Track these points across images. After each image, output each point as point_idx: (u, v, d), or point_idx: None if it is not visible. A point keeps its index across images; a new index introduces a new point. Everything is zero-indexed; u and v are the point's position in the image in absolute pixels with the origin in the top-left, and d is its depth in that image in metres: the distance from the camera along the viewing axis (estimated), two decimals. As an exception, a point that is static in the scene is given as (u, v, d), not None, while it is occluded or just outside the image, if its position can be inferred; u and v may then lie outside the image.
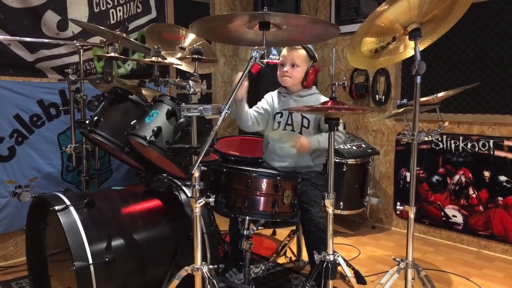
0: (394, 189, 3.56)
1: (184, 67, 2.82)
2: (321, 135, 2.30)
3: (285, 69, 2.41)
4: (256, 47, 1.57)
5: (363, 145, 3.43)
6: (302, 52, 2.40)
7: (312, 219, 2.15)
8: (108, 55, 1.94)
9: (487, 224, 3.03)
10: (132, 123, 1.83)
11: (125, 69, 3.32)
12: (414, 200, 1.84)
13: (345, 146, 3.33)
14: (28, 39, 2.69)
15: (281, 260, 2.78)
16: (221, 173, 2.00)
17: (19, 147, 2.85)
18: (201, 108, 1.54)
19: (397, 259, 1.92)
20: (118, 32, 2.35)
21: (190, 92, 1.55)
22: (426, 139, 1.78)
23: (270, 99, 2.54)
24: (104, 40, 2.45)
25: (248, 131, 2.49)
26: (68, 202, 1.71)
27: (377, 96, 3.56)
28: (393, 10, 1.59)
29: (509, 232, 2.93)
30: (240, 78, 1.61)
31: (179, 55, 2.89)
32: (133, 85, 2.68)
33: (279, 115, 2.44)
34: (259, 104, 2.54)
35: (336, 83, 1.81)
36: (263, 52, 1.58)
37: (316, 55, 2.44)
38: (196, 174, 1.56)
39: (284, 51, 2.46)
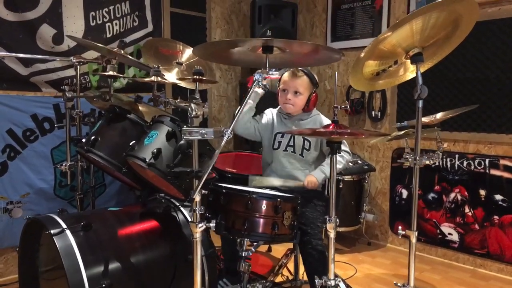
0: (389, 205, 3.55)
1: (182, 84, 2.79)
2: (324, 166, 2.33)
3: (288, 97, 2.39)
4: (259, 71, 1.55)
5: (359, 161, 3.43)
6: (305, 79, 2.39)
7: (310, 241, 2.14)
8: (106, 73, 1.91)
9: (483, 243, 3.03)
10: (131, 144, 1.80)
11: (120, 83, 3.28)
12: (416, 224, 1.81)
13: (342, 163, 3.32)
14: (23, 55, 2.65)
15: (278, 278, 2.74)
16: (220, 194, 1.97)
17: (11, 162, 2.79)
18: (203, 131, 1.52)
19: (399, 284, 1.90)
20: (115, 49, 2.33)
21: (192, 116, 1.53)
22: (428, 162, 1.78)
23: (271, 117, 2.54)
24: (101, 56, 2.41)
25: (240, 134, 2.51)
26: (64, 225, 1.67)
27: (373, 112, 3.57)
28: (396, 35, 1.59)
29: (505, 251, 2.93)
30: (245, 101, 1.58)
31: (175, 70, 2.88)
32: (130, 101, 2.66)
33: (280, 135, 2.42)
34: (261, 117, 2.55)
35: (338, 107, 1.79)
36: (265, 75, 1.56)
37: (317, 80, 2.44)
38: (197, 198, 1.53)
39: (286, 76, 2.43)
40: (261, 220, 1.94)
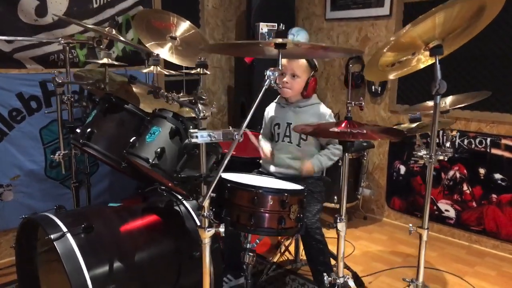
0: (387, 180, 3.54)
1: (175, 60, 2.64)
2: (321, 155, 2.30)
3: (284, 79, 2.27)
4: (272, 68, 1.44)
5: (358, 137, 3.36)
6: (303, 61, 2.27)
7: (308, 232, 2.12)
8: (99, 61, 1.76)
9: (480, 220, 3.06)
10: (131, 140, 1.69)
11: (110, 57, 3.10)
12: (427, 221, 1.78)
13: (341, 140, 3.26)
14: (6, 38, 2.44)
15: (276, 258, 2.74)
16: (224, 188, 1.89)
17: (-1, 145, 2.67)
18: (212, 134, 1.42)
19: (407, 280, 1.89)
20: (107, 29, 2.16)
21: (200, 117, 1.42)
22: (442, 158, 1.72)
23: (267, 113, 2.48)
24: (92, 36, 2.22)
25: None
26: (64, 229, 1.58)
27: (373, 87, 3.47)
28: (417, 29, 1.47)
29: (501, 229, 2.97)
30: (256, 101, 1.47)
31: (169, 45, 2.71)
32: (123, 81, 2.51)
33: (277, 126, 2.35)
34: (264, 127, 2.52)
35: (352, 103, 1.69)
36: (278, 73, 1.45)
37: (317, 63, 2.32)
38: (206, 204, 1.45)
39: (284, 60, 2.29)
40: (268, 215, 1.88)
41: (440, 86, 1.58)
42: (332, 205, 3.31)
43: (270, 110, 2.48)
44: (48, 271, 1.91)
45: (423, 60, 1.77)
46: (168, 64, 2.64)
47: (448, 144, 1.89)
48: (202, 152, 1.46)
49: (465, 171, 3.07)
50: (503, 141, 2.88)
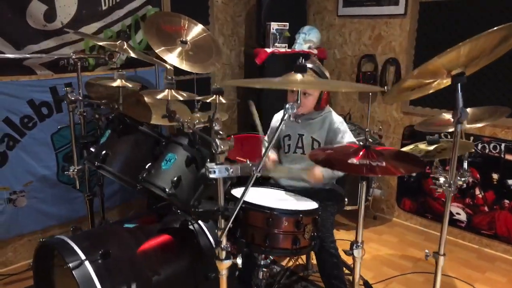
0: (397, 181, 3.53)
1: (185, 66, 2.59)
2: None
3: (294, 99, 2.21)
4: (291, 103, 1.41)
5: (369, 138, 3.33)
6: (314, 77, 2.17)
7: (323, 246, 2.12)
8: (114, 85, 1.74)
9: (491, 224, 3.05)
10: (146, 166, 1.68)
11: (120, 60, 3.06)
12: (444, 246, 1.77)
13: (352, 142, 3.23)
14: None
15: (289, 262, 2.76)
16: (239, 208, 1.89)
17: (11, 152, 2.66)
18: (230, 169, 1.41)
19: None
20: (119, 43, 2.12)
21: (218, 152, 1.41)
22: (461, 183, 1.69)
23: (276, 121, 2.43)
24: (105, 50, 2.17)
25: None
26: (82, 256, 1.60)
27: (386, 87, 3.41)
28: (441, 59, 1.43)
29: (513, 234, 2.97)
30: (274, 137, 1.45)
31: (179, 49, 2.67)
32: (134, 90, 2.48)
33: (287, 137, 2.32)
34: (270, 133, 2.46)
35: (371, 131, 1.66)
36: (297, 107, 1.42)
37: (327, 74, 2.26)
38: (224, 240, 1.45)
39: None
40: (282, 236, 1.88)
41: (462, 115, 1.55)
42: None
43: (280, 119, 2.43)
44: (63, 275, 1.91)
45: (445, 82, 1.72)
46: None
47: (465, 165, 1.86)
48: (220, 186, 1.45)
49: (478, 175, 3.05)
50: (518, 147, 2.85)
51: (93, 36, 2.33)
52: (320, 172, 2.20)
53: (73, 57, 2.17)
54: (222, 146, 1.40)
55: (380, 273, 2.82)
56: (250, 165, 1.43)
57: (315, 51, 3.47)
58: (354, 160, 1.52)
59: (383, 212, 3.67)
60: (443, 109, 3.13)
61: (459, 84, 1.55)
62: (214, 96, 1.62)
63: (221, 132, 1.41)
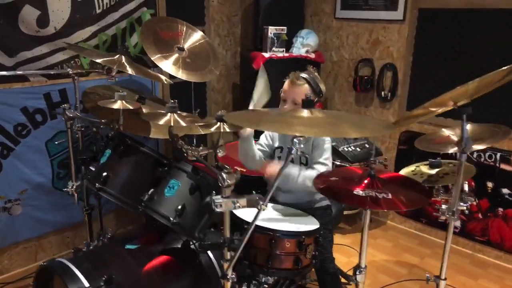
0: (392, 185, 3.55)
1: (181, 75, 2.54)
2: (304, 171, 2.12)
3: (286, 106, 2.16)
4: (300, 138, 1.38)
5: (366, 145, 3.34)
6: (305, 88, 2.14)
7: (323, 266, 2.13)
8: (114, 107, 1.70)
9: (484, 231, 3.10)
10: (149, 192, 1.66)
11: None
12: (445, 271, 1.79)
13: (349, 148, 3.23)
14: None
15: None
16: (241, 229, 1.88)
17: (5, 161, 2.62)
18: (237, 203, 1.40)
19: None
20: (117, 57, 2.07)
21: (224, 186, 1.39)
22: (464, 208, 1.71)
23: (271, 132, 2.37)
24: (103, 65, 2.10)
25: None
26: (86, 283, 1.58)
27: (382, 92, 3.41)
28: (449, 94, 1.43)
29: (506, 241, 3.02)
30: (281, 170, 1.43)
31: (176, 57, 2.62)
32: (133, 101, 2.44)
33: (279, 150, 2.27)
34: (261, 141, 2.35)
35: (377, 161, 1.65)
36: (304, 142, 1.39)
37: (322, 89, 2.18)
38: (230, 272, 1.45)
39: (286, 85, 2.18)
40: (284, 257, 1.89)
41: (467, 145, 1.55)
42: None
43: (273, 133, 2.37)
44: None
45: (449, 108, 1.72)
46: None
47: (466, 187, 1.87)
48: (226, 219, 1.44)
49: (473, 183, 3.08)
50: (513, 157, 2.88)
51: (90, 49, 2.27)
52: (275, 168, 2.10)
53: (70, 72, 2.11)
54: (228, 181, 1.39)
55: (376, 280, 2.86)
56: (257, 198, 1.41)
57: (312, 55, 3.44)
58: (359, 191, 1.51)
59: (378, 214, 3.71)
60: (440, 116, 3.14)
61: (464, 115, 1.54)
62: (218, 123, 1.59)
63: (227, 166, 1.39)
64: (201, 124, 1.78)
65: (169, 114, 1.66)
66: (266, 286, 2.05)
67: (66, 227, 3.00)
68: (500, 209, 2.99)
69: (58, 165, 2.86)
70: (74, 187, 2.15)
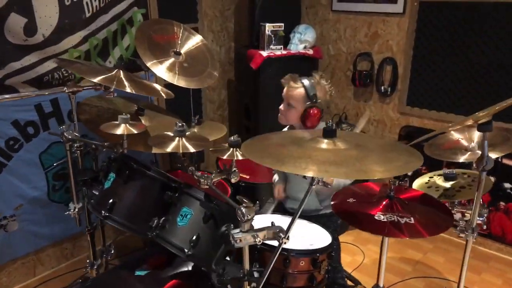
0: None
1: (177, 81, 2.43)
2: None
3: (281, 107, 2.22)
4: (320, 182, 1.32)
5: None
6: (300, 91, 2.13)
7: (332, 278, 2.12)
8: (116, 133, 1.61)
9: (486, 224, 3.11)
10: (160, 221, 1.59)
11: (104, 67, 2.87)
12: None
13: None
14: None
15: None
16: (254, 249, 1.84)
17: (-1, 177, 2.51)
18: (257, 237, 1.35)
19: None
20: (115, 72, 1.96)
21: (244, 221, 1.33)
22: (481, 223, 1.69)
23: None
24: (97, 83, 1.96)
25: None
26: (98, 320, 1.52)
27: (382, 87, 3.35)
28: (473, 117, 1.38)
29: (507, 234, 3.04)
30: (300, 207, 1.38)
31: (171, 60, 2.52)
32: (130, 112, 2.34)
33: None
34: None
35: (397, 182, 1.60)
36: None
37: (318, 94, 2.12)
38: (251, 306, 1.41)
39: (285, 87, 2.20)
40: (299, 275, 1.86)
41: (488, 163, 1.52)
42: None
43: None
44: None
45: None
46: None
47: (481, 200, 1.84)
48: (245, 253, 1.39)
49: (474, 178, 3.08)
50: (516, 153, 2.87)
51: (83, 64, 2.16)
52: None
53: (66, 91, 1.99)
54: (248, 215, 1.33)
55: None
56: (278, 230, 1.36)
57: (310, 51, 3.35)
58: (380, 216, 1.47)
59: (378, 209, 3.70)
60: (441, 111, 3.12)
61: (485, 132, 1.50)
62: (231, 149, 1.52)
63: (245, 200, 1.33)
64: (213, 149, 1.69)
65: (177, 138, 1.58)
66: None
67: (64, 239, 2.93)
68: (502, 203, 3.00)
69: (53, 177, 2.76)
70: (76, 209, 2.06)
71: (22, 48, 2.44)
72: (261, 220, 1.99)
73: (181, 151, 1.53)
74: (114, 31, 2.87)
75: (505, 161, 2.93)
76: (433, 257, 3.13)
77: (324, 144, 1.30)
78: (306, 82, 2.13)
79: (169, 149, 1.53)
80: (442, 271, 2.97)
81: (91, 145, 2.07)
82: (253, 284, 1.43)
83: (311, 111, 2.11)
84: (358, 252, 3.16)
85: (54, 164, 2.56)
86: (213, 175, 1.53)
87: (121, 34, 2.93)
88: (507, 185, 2.96)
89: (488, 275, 2.93)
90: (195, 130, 2.66)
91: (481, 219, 1.71)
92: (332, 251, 1.98)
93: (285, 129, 2.33)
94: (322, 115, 2.16)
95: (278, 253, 1.37)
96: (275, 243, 1.80)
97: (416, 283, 2.84)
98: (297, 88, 2.14)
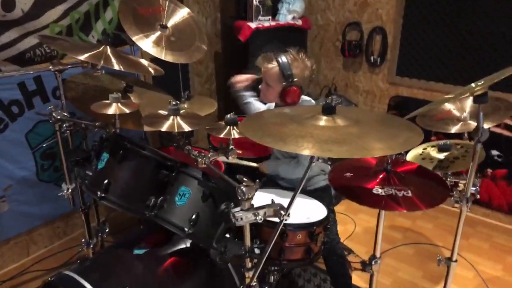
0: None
1: (164, 56, 2.37)
2: (290, 166, 2.21)
3: (261, 86, 2.21)
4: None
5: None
6: (275, 71, 2.07)
7: (330, 248, 2.15)
8: (109, 112, 1.57)
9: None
10: (158, 201, 1.58)
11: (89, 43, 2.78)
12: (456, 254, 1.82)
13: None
14: None
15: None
16: (251, 224, 1.85)
17: (-15, 159, 2.45)
18: (258, 215, 1.35)
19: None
20: (102, 48, 1.89)
21: (244, 200, 1.33)
22: (474, 192, 1.72)
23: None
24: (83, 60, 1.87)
25: None
26: (99, 300, 1.53)
27: (372, 57, 3.33)
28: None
29: (493, 200, 3.13)
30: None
31: (157, 34, 2.44)
32: (118, 89, 2.28)
33: None
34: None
35: (393, 156, 1.61)
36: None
37: (294, 71, 2.05)
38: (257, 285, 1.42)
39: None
40: (296, 248, 1.88)
41: (483, 135, 1.53)
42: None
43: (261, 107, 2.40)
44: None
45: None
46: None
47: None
48: (246, 230, 1.39)
49: (462, 146, 3.12)
50: (505, 120, 2.91)
51: (67, 40, 2.07)
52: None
53: (52, 69, 1.92)
54: (249, 194, 1.32)
55: (372, 248, 2.92)
56: (278, 208, 1.36)
57: (299, 22, 3.29)
58: (378, 190, 1.48)
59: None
60: (431, 80, 3.12)
61: (480, 104, 1.50)
62: (228, 127, 1.50)
63: (245, 179, 1.32)
64: (209, 128, 1.67)
65: (171, 117, 1.55)
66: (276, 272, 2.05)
67: (56, 218, 2.90)
68: (489, 170, 3.07)
69: (41, 156, 2.71)
70: (70, 190, 2.03)
71: (0, 24, 2.33)
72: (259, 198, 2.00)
73: (176, 130, 1.50)
74: (96, 3, 2.76)
75: (493, 128, 2.97)
76: (422, 224, 3.20)
77: (323, 121, 1.28)
78: (281, 60, 2.06)
79: (163, 128, 1.51)
80: (431, 237, 3.05)
81: (80, 125, 2.02)
82: (255, 261, 1.43)
83: (289, 90, 2.06)
84: (350, 222, 3.21)
85: (44, 145, 2.49)
86: (210, 154, 1.51)
87: (104, 7, 2.82)
88: (494, 152, 3.02)
89: (475, 240, 3.02)
90: (185, 106, 2.62)
91: (474, 188, 1.73)
92: (328, 223, 2.00)
93: (272, 105, 2.31)
94: (302, 91, 2.12)
95: (279, 231, 1.36)
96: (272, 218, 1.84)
97: (407, 250, 2.92)
98: (272, 69, 2.09)
